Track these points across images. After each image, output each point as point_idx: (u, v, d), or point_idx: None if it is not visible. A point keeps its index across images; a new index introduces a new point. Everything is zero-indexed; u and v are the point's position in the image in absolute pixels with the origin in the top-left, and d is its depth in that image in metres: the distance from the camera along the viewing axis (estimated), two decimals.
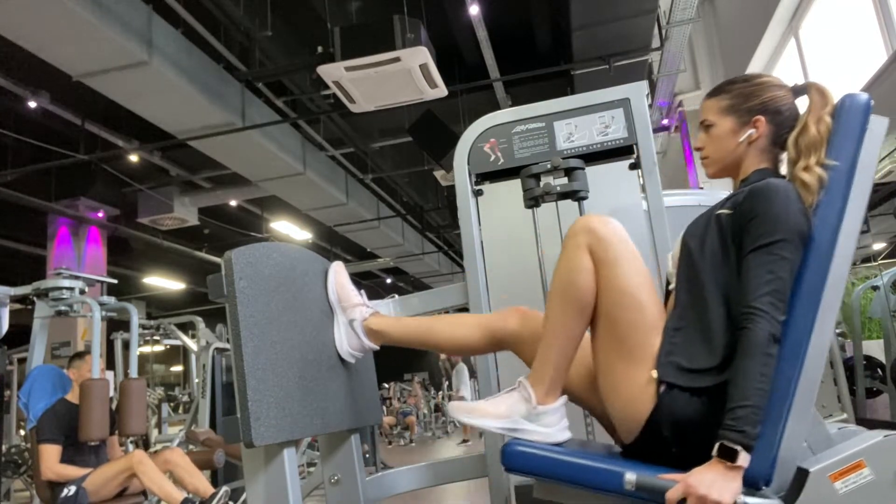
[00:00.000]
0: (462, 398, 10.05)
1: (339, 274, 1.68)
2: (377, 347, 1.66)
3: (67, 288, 3.84)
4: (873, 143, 1.30)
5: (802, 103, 1.38)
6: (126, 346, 6.30)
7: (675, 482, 1.11)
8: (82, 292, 3.93)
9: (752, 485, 1.14)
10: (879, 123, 1.31)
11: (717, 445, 1.10)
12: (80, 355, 3.86)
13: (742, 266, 1.22)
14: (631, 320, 1.27)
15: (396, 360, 12.62)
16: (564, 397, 1.34)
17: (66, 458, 3.46)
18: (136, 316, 4.18)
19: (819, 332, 1.20)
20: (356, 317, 1.62)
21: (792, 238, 1.19)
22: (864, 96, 1.31)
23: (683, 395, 1.20)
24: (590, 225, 1.31)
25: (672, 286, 1.39)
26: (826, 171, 1.26)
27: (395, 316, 1.93)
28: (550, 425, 1.30)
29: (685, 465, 1.14)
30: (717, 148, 1.41)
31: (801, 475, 1.16)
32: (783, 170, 1.38)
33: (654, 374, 1.22)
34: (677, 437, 1.21)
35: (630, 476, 1.15)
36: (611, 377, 1.29)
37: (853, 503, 1.14)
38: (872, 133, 1.30)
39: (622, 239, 1.31)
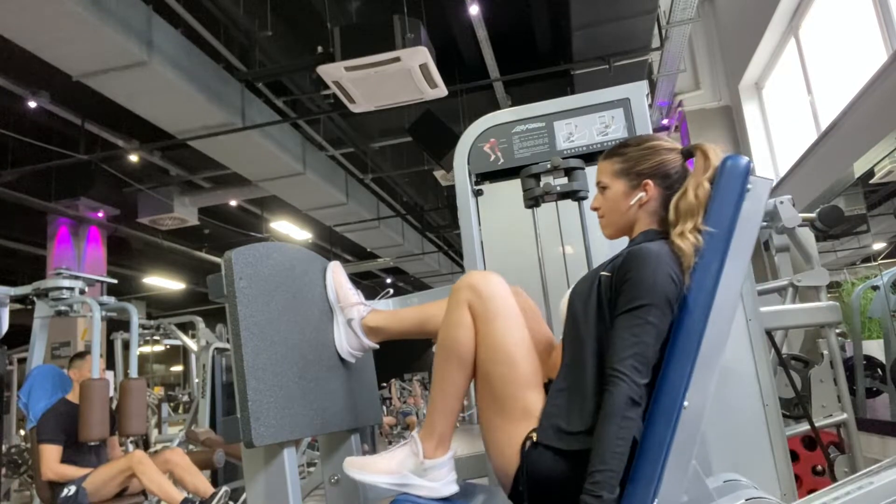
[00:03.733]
0: None
1: (337, 273, 1.69)
2: (377, 346, 1.66)
3: (67, 288, 3.84)
4: (756, 204, 1.30)
5: None
6: (126, 346, 6.31)
7: None
8: (82, 292, 3.93)
9: None
10: (761, 185, 1.32)
11: None
12: (80, 355, 3.86)
13: (612, 327, 1.24)
14: (503, 375, 1.31)
15: (396, 361, 12.61)
16: (453, 450, 1.37)
17: (66, 458, 3.46)
18: (136, 316, 4.18)
19: (696, 391, 1.21)
20: (355, 316, 1.62)
21: (658, 302, 1.21)
22: (744, 160, 1.32)
23: (548, 453, 1.23)
24: (471, 281, 1.36)
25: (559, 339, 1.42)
26: (701, 237, 1.26)
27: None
28: (437, 479, 1.34)
29: None
30: (610, 210, 1.43)
31: None
32: None
33: (534, 436, 1.25)
34: (538, 494, 1.24)
35: None
36: (487, 430, 1.34)
37: None
38: (754, 194, 1.30)
39: (502, 296, 1.35)
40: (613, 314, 1.25)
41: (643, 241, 1.33)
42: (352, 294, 1.66)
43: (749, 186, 1.29)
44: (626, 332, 1.20)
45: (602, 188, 1.45)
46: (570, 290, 1.42)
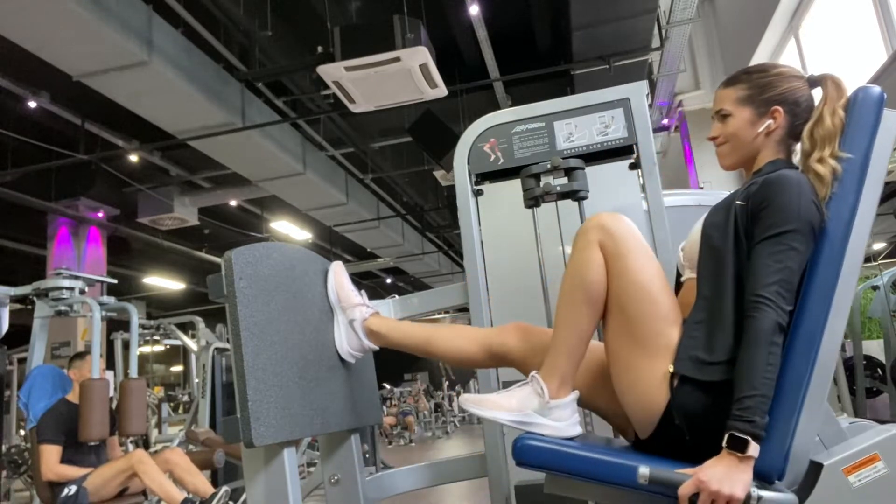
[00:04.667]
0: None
1: (338, 274, 1.68)
2: (377, 348, 1.66)
3: (67, 288, 3.84)
4: (886, 137, 1.29)
5: (818, 94, 1.37)
6: (126, 346, 6.31)
7: (689, 476, 1.10)
8: (82, 292, 3.93)
9: (765, 478, 1.13)
10: (892, 118, 1.30)
11: (726, 436, 1.09)
12: (80, 355, 3.86)
13: (752, 255, 1.21)
14: (643, 312, 1.27)
15: (396, 360, 12.61)
16: (576, 392, 1.33)
17: (66, 459, 3.45)
18: (136, 316, 4.18)
19: (832, 326, 1.19)
20: (356, 317, 1.62)
21: (802, 229, 1.18)
22: (878, 90, 1.31)
23: (697, 388, 1.20)
24: (601, 221, 1.32)
25: (684, 278, 1.39)
26: (840, 164, 1.25)
27: (395, 318, 1.92)
28: (562, 419, 1.30)
29: (701, 458, 1.13)
30: (734, 138, 1.39)
31: (815, 469, 1.16)
32: (796, 160, 1.38)
33: (671, 368, 1.22)
34: (692, 429, 1.21)
35: (643, 470, 1.14)
36: (625, 371, 1.29)
37: (867, 496, 1.13)
38: (885, 127, 1.29)
39: (633, 234, 1.31)
40: (751, 243, 1.22)
41: (775, 170, 1.29)
42: (354, 295, 1.65)
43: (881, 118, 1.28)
44: (770, 258, 1.17)
45: (723, 116, 1.40)
46: (700, 223, 1.38)
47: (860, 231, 1.23)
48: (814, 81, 1.38)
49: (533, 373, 1.34)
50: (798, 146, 1.36)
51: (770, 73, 1.38)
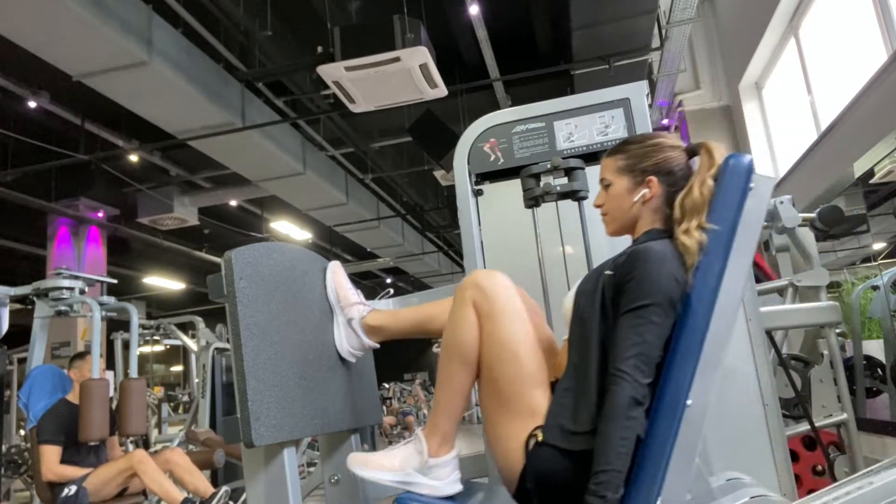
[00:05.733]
0: None
1: (337, 273, 1.69)
2: (377, 345, 1.66)
3: (67, 288, 3.84)
4: (758, 202, 1.30)
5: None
6: (126, 346, 6.31)
7: None
8: (82, 292, 3.93)
9: None
10: (764, 183, 1.31)
11: None
12: (80, 355, 3.86)
13: (615, 327, 1.24)
14: (508, 373, 1.31)
15: (396, 361, 12.61)
16: (457, 449, 1.37)
17: (66, 459, 3.46)
18: (136, 316, 4.18)
19: (699, 390, 1.21)
20: (355, 315, 1.62)
21: (662, 302, 1.21)
22: (747, 158, 1.31)
23: (553, 452, 1.23)
24: (476, 279, 1.37)
25: (563, 338, 1.41)
26: (705, 234, 1.26)
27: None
28: (441, 478, 1.33)
29: None
30: (614, 207, 1.43)
31: None
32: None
33: (537, 433, 1.25)
34: (544, 494, 1.24)
35: None
36: (492, 427, 1.33)
37: None
38: (757, 192, 1.29)
39: (506, 293, 1.35)
40: (616, 314, 1.25)
41: (646, 241, 1.32)
42: (352, 294, 1.65)
43: (752, 185, 1.29)
44: (629, 331, 1.20)
45: (605, 185, 1.44)
46: (575, 287, 1.41)
47: (728, 296, 1.24)
48: (690, 151, 1.40)
49: (417, 430, 1.39)
50: None
51: (646, 144, 1.41)
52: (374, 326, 1.61)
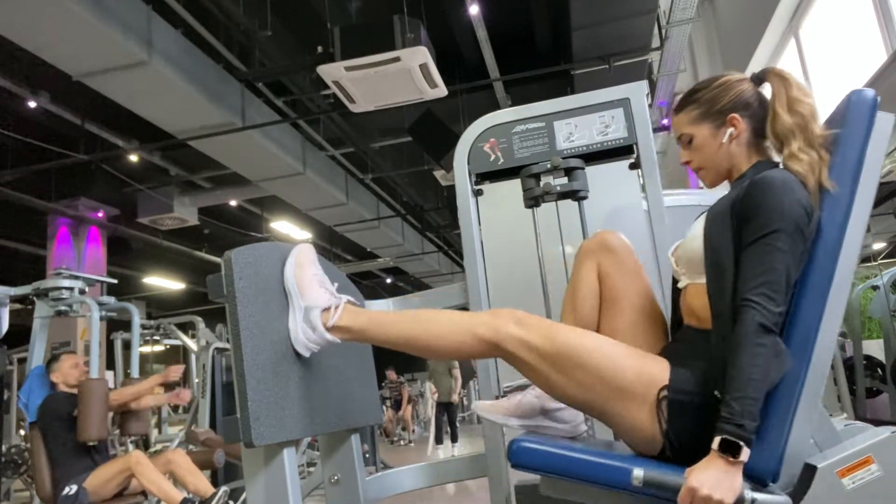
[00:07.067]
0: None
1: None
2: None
3: (67, 288, 3.84)
4: (879, 140, 1.29)
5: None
6: (126, 346, 6.31)
7: (682, 479, 1.10)
8: (82, 292, 3.93)
9: (759, 480, 1.13)
10: (885, 120, 1.30)
11: (717, 440, 1.08)
12: (55, 358, 3.75)
13: (741, 260, 1.21)
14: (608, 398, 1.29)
15: (396, 360, 12.61)
16: None
17: (65, 459, 3.45)
18: (136, 316, 4.18)
19: (826, 328, 1.19)
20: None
21: (787, 228, 1.17)
22: (871, 92, 1.30)
23: (688, 404, 1.20)
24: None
25: (680, 284, 1.38)
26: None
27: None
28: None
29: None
30: (704, 157, 1.40)
31: (809, 471, 1.15)
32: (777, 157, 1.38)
33: (668, 392, 1.22)
34: (689, 442, 1.20)
35: (637, 472, 1.14)
36: (611, 417, 1.28)
37: (861, 499, 1.13)
38: (878, 129, 1.29)
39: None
40: (741, 246, 1.22)
41: (758, 173, 1.28)
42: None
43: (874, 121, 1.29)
44: (755, 260, 1.17)
45: (687, 141, 1.42)
46: (697, 224, 1.38)
47: (854, 234, 1.23)
48: (757, 80, 1.39)
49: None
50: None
51: (714, 86, 1.39)
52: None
